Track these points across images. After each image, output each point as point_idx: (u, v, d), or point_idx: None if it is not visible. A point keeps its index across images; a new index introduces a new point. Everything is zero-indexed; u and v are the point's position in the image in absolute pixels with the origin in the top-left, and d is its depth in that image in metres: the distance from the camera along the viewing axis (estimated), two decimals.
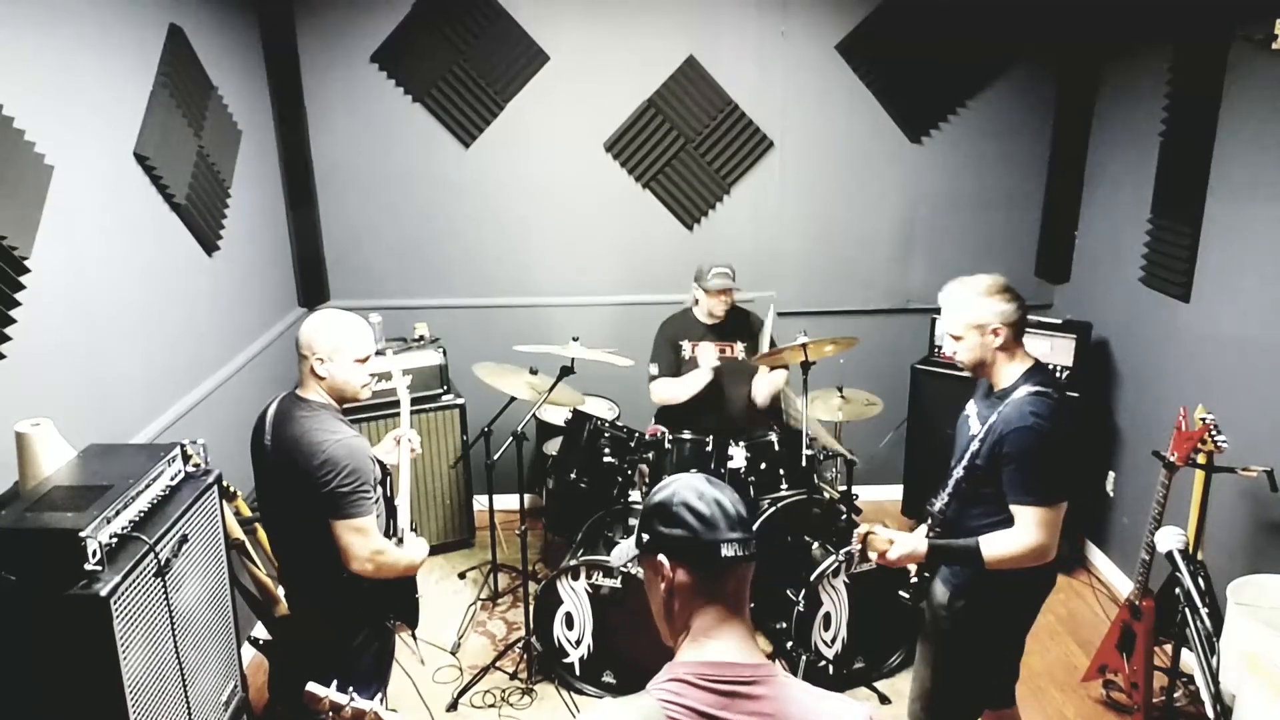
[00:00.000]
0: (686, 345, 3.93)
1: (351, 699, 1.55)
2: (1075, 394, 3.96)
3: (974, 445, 2.37)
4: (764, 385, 3.94)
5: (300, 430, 2.32)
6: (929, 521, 2.55)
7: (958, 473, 2.44)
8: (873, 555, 2.42)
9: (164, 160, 3.05)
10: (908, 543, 2.40)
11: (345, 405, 2.48)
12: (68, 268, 2.53)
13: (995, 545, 2.30)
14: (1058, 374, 4.06)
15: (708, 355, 3.74)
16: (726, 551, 1.28)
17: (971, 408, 2.51)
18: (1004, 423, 2.28)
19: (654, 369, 3.96)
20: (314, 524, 2.33)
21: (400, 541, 2.56)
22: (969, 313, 2.37)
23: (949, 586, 2.48)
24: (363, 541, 2.33)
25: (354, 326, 2.42)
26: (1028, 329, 2.44)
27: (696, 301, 3.95)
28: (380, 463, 2.56)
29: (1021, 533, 2.28)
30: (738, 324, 3.94)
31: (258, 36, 4.11)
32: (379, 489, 2.47)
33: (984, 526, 2.35)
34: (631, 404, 4.47)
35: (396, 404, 2.83)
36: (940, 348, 4.41)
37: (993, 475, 2.32)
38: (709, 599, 1.30)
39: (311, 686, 1.56)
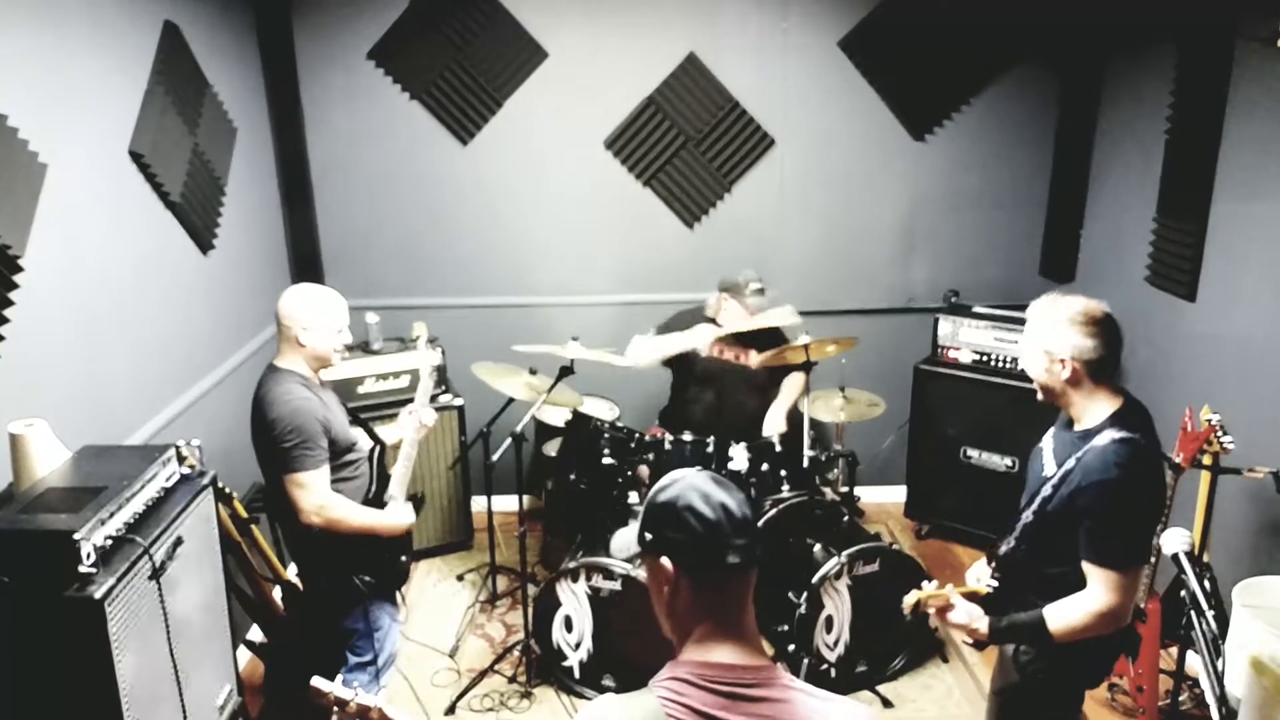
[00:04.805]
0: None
1: (356, 694, 1.55)
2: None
3: (1046, 490, 2.14)
4: (779, 418, 3.90)
5: (263, 393, 2.60)
6: (992, 565, 2.33)
7: (1026, 517, 2.20)
8: (930, 612, 2.24)
9: (159, 158, 3.03)
10: (969, 613, 2.21)
11: (320, 369, 2.73)
12: (62, 266, 2.50)
13: (1062, 615, 2.07)
14: None
15: (702, 336, 3.77)
16: (731, 559, 1.26)
17: (1048, 441, 2.27)
18: (1083, 472, 2.04)
19: (651, 331, 3.89)
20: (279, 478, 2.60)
21: (383, 506, 2.78)
22: (1041, 337, 2.14)
23: None
24: (304, 495, 2.55)
25: (332, 299, 2.72)
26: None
27: (720, 309, 3.88)
28: (373, 434, 2.89)
29: (1093, 596, 2.04)
30: (758, 332, 3.88)
31: (254, 33, 4.08)
32: (360, 455, 2.76)
33: (1056, 579, 2.11)
34: (631, 404, 4.45)
35: (403, 402, 3.04)
36: (943, 347, 4.40)
37: (1066, 526, 2.08)
38: (712, 602, 1.28)
39: (316, 681, 1.55)
